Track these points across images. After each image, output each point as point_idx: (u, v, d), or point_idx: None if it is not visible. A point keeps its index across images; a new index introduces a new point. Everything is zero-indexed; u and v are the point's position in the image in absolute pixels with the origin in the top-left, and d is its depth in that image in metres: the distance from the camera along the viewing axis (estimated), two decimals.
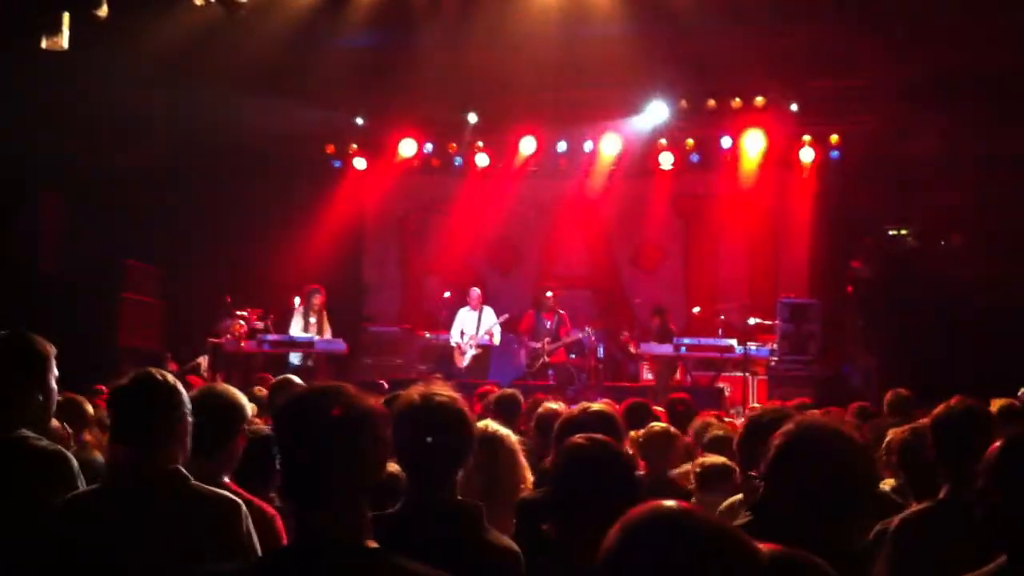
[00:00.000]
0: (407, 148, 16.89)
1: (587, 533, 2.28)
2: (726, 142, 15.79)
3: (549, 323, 14.69)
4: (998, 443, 2.94)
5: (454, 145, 16.49)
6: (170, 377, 3.38)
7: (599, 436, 3.19)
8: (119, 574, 3.09)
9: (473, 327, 15.06)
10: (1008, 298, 11.28)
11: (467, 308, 15.22)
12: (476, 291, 15.31)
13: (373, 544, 2.33)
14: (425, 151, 16.92)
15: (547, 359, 14.51)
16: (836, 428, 2.87)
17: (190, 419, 3.34)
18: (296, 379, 5.77)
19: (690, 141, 15.73)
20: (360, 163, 16.95)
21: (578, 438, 3.16)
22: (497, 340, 15.07)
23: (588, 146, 16.51)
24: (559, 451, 3.22)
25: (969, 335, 11.06)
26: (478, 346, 14.91)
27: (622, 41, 13.67)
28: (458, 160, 16.81)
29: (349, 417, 2.34)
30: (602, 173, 16.76)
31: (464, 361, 14.94)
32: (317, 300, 14.34)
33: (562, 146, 16.59)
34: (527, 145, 16.51)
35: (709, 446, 5.72)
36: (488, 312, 15.16)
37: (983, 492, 2.89)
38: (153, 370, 3.39)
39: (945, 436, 3.76)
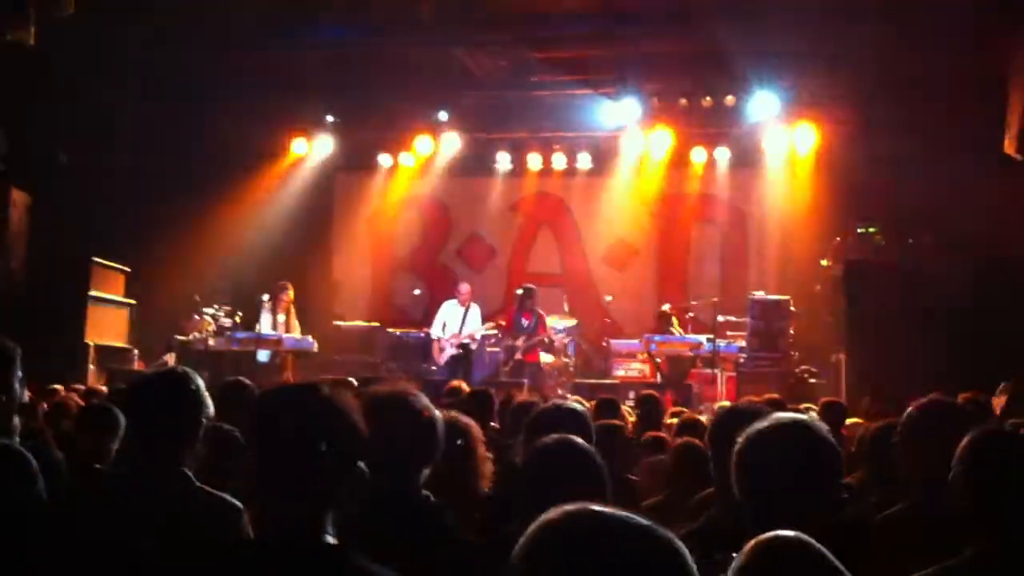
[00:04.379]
0: (377, 145, 16.88)
1: None
2: (697, 140, 15.89)
3: (527, 322, 14.58)
4: (967, 437, 2.96)
5: (425, 142, 16.39)
6: (195, 376, 3.32)
7: (568, 436, 3.17)
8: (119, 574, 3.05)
9: (457, 324, 14.71)
10: (976, 296, 11.36)
11: (454, 302, 14.91)
12: (465, 287, 15.06)
13: (333, 541, 2.31)
14: (396, 147, 16.88)
15: (521, 357, 14.42)
16: (804, 423, 2.86)
17: (204, 421, 3.29)
18: (247, 381, 5.61)
19: (662, 139, 15.70)
20: (330, 160, 16.86)
21: (547, 438, 3.14)
22: (475, 345, 14.80)
23: (560, 143, 16.56)
24: (527, 451, 3.20)
25: (938, 333, 11.13)
26: (459, 346, 14.56)
27: (593, 38, 13.71)
28: (430, 157, 16.73)
29: (323, 414, 2.33)
30: (573, 171, 16.79)
31: (443, 358, 14.64)
32: (285, 297, 14.23)
33: (534, 143, 16.62)
34: (499, 142, 16.56)
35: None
36: (475, 310, 14.89)
37: (954, 486, 2.91)
38: (178, 368, 3.34)
39: (920, 434, 3.71)
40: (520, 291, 14.82)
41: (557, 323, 14.90)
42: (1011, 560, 2.79)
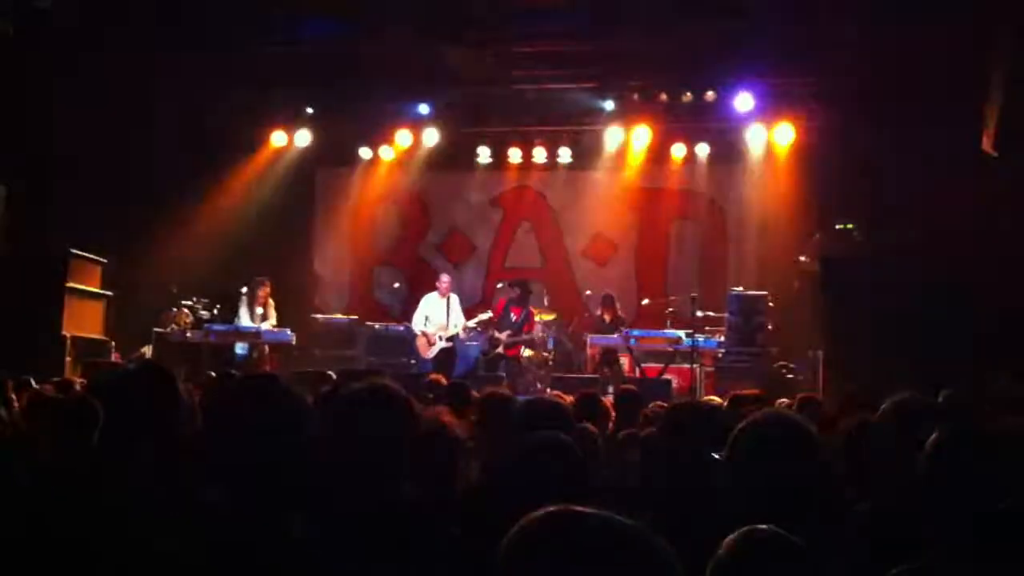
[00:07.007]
0: (357, 138, 16.84)
1: None
2: (677, 136, 15.93)
3: (515, 316, 14.55)
4: (934, 436, 2.96)
5: (405, 136, 16.37)
6: (170, 371, 3.32)
7: (552, 432, 3.17)
8: (78, 565, 3.04)
9: (442, 316, 14.54)
10: (953, 293, 11.42)
11: (435, 295, 14.74)
12: (446, 277, 14.95)
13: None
14: (376, 141, 16.85)
15: (502, 351, 14.41)
16: (796, 420, 2.87)
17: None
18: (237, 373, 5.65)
19: (642, 134, 15.74)
20: (310, 153, 16.80)
21: (532, 435, 3.14)
22: (464, 335, 14.77)
23: (541, 138, 16.55)
24: (510, 445, 3.20)
25: (914, 329, 11.18)
26: (448, 339, 14.46)
27: (574, 34, 13.71)
28: (410, 150, 16.70)
29: (280, 411, 2.32)
30: (553, 165, 16.79)
31: (431, 352, 14.49)
32: (262, 291, 14.20)
33: (515, 138, 16.60)
34: (480, 136, 16.55)
35: None
36: (455, 300, 14.78)
37: (920, 484, 2.92)
38: (145, 361, 3.34)
39: (888, 432, 3.72)
40: (514, 285, 14.80)
41: (537, 318, 14.90)
42: (968, 563, 2.80)
